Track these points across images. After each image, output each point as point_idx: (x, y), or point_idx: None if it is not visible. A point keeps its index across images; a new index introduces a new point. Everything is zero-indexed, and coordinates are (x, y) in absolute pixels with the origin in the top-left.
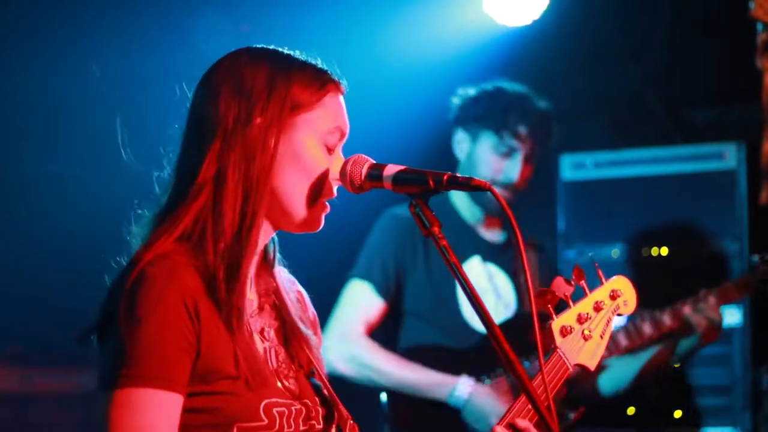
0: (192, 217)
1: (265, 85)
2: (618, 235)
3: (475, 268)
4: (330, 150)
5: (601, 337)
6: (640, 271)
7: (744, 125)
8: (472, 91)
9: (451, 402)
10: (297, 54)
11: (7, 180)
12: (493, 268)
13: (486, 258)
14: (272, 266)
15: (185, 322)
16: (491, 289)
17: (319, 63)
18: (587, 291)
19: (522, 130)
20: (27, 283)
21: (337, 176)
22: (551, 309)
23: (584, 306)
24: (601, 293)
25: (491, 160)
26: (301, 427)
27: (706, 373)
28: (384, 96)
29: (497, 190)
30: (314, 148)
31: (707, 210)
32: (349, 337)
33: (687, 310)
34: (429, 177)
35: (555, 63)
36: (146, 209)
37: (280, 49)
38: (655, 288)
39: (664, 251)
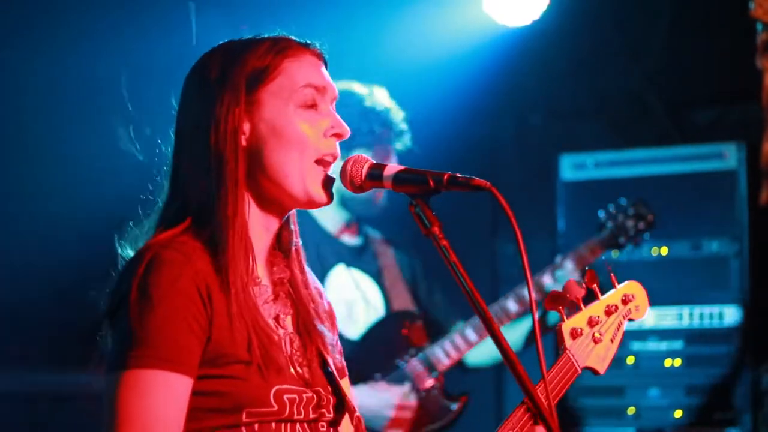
0: (188, 212)
1: (218, 74)
2: None
3: (341, 276)
4: (313, 108)
5: (612, 341)
6: (640, 271)
7: (744, 125)
8: None
9: None
10: (262, 34)
11: (7, 181)
12: (357, 273)
13: (350, 264)
14: (286, 255)
15: (197, 306)
16: (360, 297)
17: (283, 34)
18: (599, 295)
19: (390, 136)
20: (27, 284)
21: (333, 131)
22: (562, 311)
23: (595, 309)
24: (613, 297)
25: None
26: (311, 415)
27: (706, 373)
28: None
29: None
30: (288, 115)
31: (707, 210)
32: None
33: (547, 280)
34: (429, 177)
35: (555, 63)
36: (145, 213)
37: (243, 37)
38: (655, 287)
39: (664, 251)
